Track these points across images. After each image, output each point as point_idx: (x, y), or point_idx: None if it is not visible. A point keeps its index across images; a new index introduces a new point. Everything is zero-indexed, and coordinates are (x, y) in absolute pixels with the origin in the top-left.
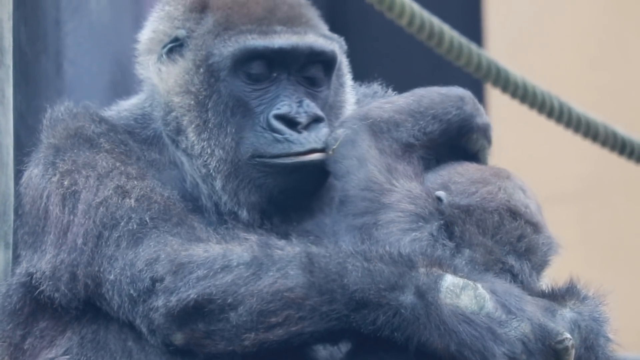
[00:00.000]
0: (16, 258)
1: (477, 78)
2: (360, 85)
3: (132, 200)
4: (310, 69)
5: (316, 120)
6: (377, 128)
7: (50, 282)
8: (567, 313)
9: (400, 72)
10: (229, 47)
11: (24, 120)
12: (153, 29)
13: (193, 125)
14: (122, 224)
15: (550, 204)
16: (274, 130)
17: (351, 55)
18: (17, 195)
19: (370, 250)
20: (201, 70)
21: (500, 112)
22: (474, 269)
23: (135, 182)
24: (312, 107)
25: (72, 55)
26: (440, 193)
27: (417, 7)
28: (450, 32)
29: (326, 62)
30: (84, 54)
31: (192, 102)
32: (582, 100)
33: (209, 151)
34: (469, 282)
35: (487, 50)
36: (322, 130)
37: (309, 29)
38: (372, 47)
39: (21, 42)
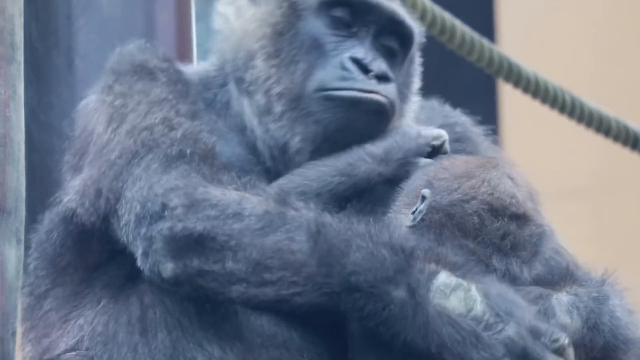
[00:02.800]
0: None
1: (489, 73)
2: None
3: (178, 133)
4: (388, 38)
5: (386, 78)
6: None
7: (78, 198)
8: (563, 297)
9: None
10: None
11: (35, 116)
12: None
13: (264, 51)
14: (160, 148)
15: (562, 199)
16: (344, 69)
17: None
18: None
19: (380, 233)
20: (284, 4)
21: (513, 108)
22: (474, 267)
23: (183, 120)
24: (385, 68)
25: (83, 51)
26: (425, 191)
27: (429, 3)
28: (462, 28)
29: (403, 35)
30: (95, 49)
31: (269, 31)
32: (594, 95)
33: (275, 78)
34: (463, 282)
35: (499, 45)
36: (390, 86)
37: (396, 1)
38: None
39: (32, 38)
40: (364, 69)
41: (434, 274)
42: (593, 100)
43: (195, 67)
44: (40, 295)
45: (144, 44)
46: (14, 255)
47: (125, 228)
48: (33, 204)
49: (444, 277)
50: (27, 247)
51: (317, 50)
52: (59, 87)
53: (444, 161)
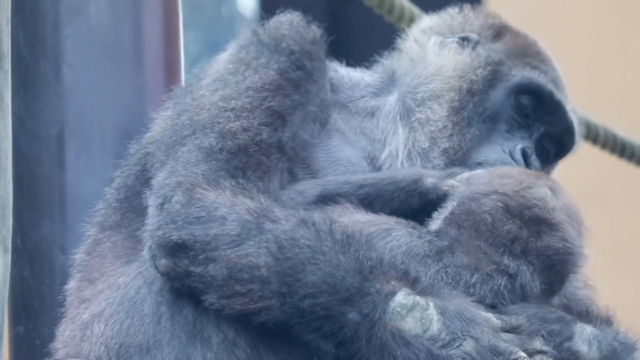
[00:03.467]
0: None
1: None
2: None
3: (238, 126)
4: (551, 141)
5: None
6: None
7: (150, 142)
8: (588, 328)
9: None
10: (521, 70)
11: (22, 125)
12: (440, 20)
13: (450, 103)
14: (210, 136)
15: None
16: (512, 157)
17: (351, 56)
18: None
19: (345, 251)
20: (488, 68)
21: None
22: (438, 281)
23: (261, 114)
24: (538, 167)
25: (71, 59)
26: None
27: (416, 11)
28: None
29: (564, 144)
30: (83, 57)
31: (464, 87)
32: (581, 102)
33: (448, 133)
34: (420, 301)
35: None
36: None
37: (574, 111)
38: (373, 50)
39: (20, 46)
40: (527, 162)
41: (391, 294)
42: (580, 108)
43: (348, 69)
44: (105, 227)
45: (298, 19)
46: (1, 264)
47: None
48: (20, 212)
49: (400, 297)
50: (14, 255)
51: (493, 124)
52: (47, 95)
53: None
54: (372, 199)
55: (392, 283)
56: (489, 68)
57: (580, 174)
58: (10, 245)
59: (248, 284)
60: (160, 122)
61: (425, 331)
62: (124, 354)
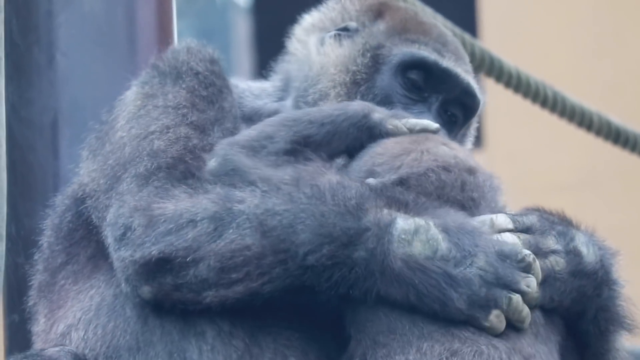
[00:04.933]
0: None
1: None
2: None
3: (166, 144)
4: (454, 106)
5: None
6: (250, 147)
7: (86, 187)
8: (580, 232)
9: None
10: (401, 48)
11: (16, 112)
12: (320, 15)
13: (337, 101)
14: (144, 161)
15: (545, 194)
16: None
17: None
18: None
19: (323, 201)
20: (367, 55)
21: (495, 103)
22: (425, 202)
23: (185, 129)
24: (450, 136)
25: (64, 47)
26: (369, 180)
27: (429, 10)
28: (443, 23)
29: (469, 107)
30: (76, 45)
31: (347, 79)
32: (576, 90)
33: None
34: (421, 223)
35: (481, 40)
36: None
37: (469, 71)
38: None
39: (13, 34)
40: None
41: (391, 223)
42: (575, 95)
43: (249, 82)
44: (56, 269)
45: (194, 44)
46: None
47: (109, 250)
48: (14, 200)
49: (401, 223)
50: (9, 243)
51: (388, 107)
52: (40, 83)
53: (376, 148)
54: (331, 137)
55: (385, 211)
56: (369, 54)
57: (574, 160)
58: (4, 233)
59: (243, 267)
60: (87, 176)
61: (435, 252)
62: (113, 354)
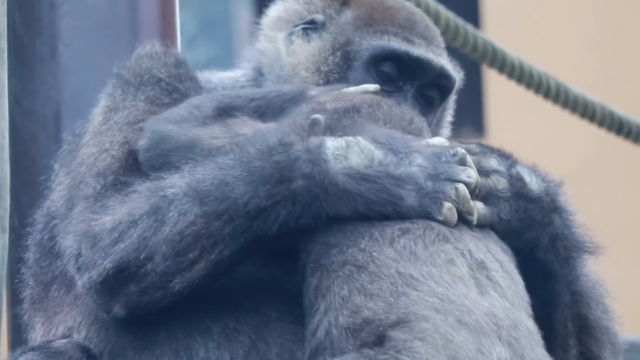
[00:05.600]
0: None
1: (474, 59)
2: None
3: (112, 161)
4: (430, 89)
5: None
6: (178, 116)
7: (53, 207)
8: (521, 163)
9: None
10: (370, 41)
11: (19, 104)
12: (285, 8)
13: None
14: (92, 185)
15: None
16: None
17: None
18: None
19: (245, 152)
20: (337, 53)
21: (498, 94)
22: (346, 121)
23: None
24: (426, 126)
25: (67, 39)
26: (316, 115)
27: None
28: (446, 13)
29: (445, 87)
30: (79, 36)
31: (321, 82)
32: (579, 81)
33: None
34: (349, 139)
35: (484, 31)
36: None
37: (440, 52)
38: None
39: (16, 26)
40: None
41: (320, 145)
42: (578, 86)
43: (222, 74)
44: (47, 283)
45: (157, 48)
46: None
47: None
48: (17, 192)
49: (331, 142)
50: (12, 235)
51: None
52: (43, 74)
53: (318, 98)
54: (263, 111)
55: (312, 138)
56: (338, 53)
57: (578, 151)
58: (7, 225)
59: (197, 243)
60: (56, 192)
61: (371, 160)
62: (117, 353)
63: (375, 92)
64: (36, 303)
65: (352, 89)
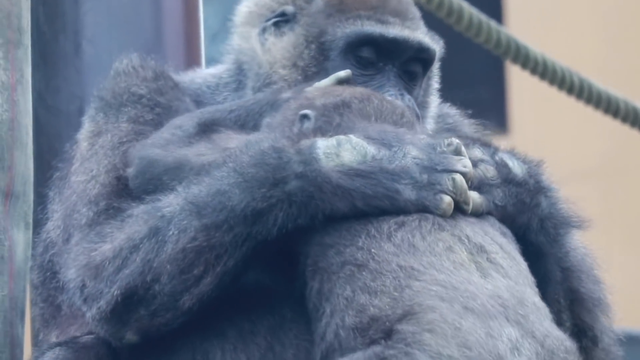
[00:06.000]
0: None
1: (497, 55)
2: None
3: (103, 187)
4: (412, 64)
5: (415, 116)
6: (162, 139)
7: (50, 237)
8: (501, 149)
9: None
10: (344, 29)
11: (42, 100)
12: (255, 2)
13: None
14: (85, 213)
15: (571, 180)
16: None
17: None
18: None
19: (238, 161)
20: (312, 46)
21: (521, 89)
22: (341, 123)
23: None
24: (412, 103)
25: (90, 35)
26: (305, 110)
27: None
28: (469, 9)
29: (427, 60)
30: (102, 32)
31: (300, 77)
32: (602, 76)
33: None
34: (341, 137)
35: (507, 27)
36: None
37: (416, 25)
38: None
39: (39, 22)
40: None
41: (311, 146)
42: (601, 81)
43: (205, 72)
44: (58, 304)
45: (134, 62)
46: (22, 239)
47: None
48: (41, 188)
49: (322, 142)
50: (36, 231)
51: None
52: (66, 70)
53: (303, 93)
54: (243, 120)
55: (303, 141)
56: (313, 45)
57: (601, 147)
58: (31, 220)
59: (200, 258)
60: (51, 222)
61: (364, 156)
62: (135, 358)
63: (347, 78)
64: (49, 321)
65: (324, 80)
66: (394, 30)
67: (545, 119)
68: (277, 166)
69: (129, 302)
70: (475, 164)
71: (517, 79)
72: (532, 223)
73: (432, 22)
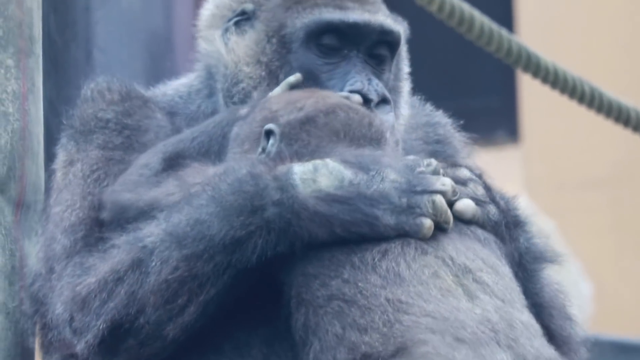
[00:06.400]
0: None
1: (508, 64)
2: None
3: (77, 217)
4: (378, 48)
5: (384, 100)
6: (130, 182)
7: (35, 270)
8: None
9: (430, 59)
10: (303, 19)
11: (53, 109)
12: (216, 4)
13: (260, 90)
14: (62, 244)
15: (582, 190)
16: (351, 98)
17: None
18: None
19: (216, 189)
20: (273, 40)
21: (532, 98)
22: (317, 147)
23: (100, 191)
24: (381, 87)
25: (102, 43)
26: (269, 125)
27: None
28: (480, 18)
29: (392, 42)
30: (114, 41)
31: (264, 73)
32: (613, 85)
33: None
34: (317, 162)
35: (518, 35)
36: (389, 115)
37: (377, 8)
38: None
39: (51, 31)
40: (365, 99)
41: (288, 172)
42: (612, 91)
43: (175, 83)
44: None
45: (100, 86)
46: (33, 250)
47: None
48: None
49: (298, 167)
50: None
51: (312, 83)
52: (78, 79)
53: (266, 103)
54: (207, 146)
55: (279, 167)
56: (274, 40)
57: (612, 156)
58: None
59: (183, 287)
60: (37, 254)
61: (342, 181)
62: None
63: (297, 82)
64: (48, 347)
65: (276, 89)
66: (354, 14)
67: (556, 128)
68: (254, 193)
69: (117, 334)
70: (464, 182)
71: (528, 88)
72: (514, 256)
73: (444, 30)
